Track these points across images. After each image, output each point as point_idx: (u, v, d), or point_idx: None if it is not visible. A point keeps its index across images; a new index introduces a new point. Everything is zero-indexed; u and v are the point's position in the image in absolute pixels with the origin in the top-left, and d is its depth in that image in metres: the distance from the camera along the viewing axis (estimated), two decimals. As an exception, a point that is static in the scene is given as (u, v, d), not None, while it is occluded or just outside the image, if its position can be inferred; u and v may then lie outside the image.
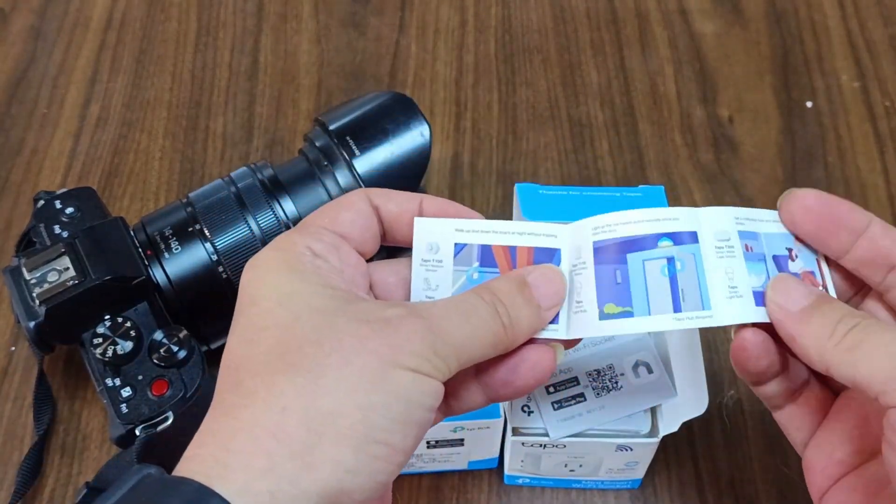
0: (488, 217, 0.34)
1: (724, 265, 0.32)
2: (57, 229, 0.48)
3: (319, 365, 0.28)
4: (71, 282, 0.44)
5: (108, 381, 0.45)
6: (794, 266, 0.33)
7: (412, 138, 0.49)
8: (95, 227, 0.47)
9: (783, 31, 0.67)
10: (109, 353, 0.45)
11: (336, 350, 0.28)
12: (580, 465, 0.45)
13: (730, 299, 0.32)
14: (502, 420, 0.42)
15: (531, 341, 0.33)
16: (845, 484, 0.34)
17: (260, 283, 0.30)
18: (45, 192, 0.51)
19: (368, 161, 0.48)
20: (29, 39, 0.67)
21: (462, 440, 0.44)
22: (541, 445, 0.42)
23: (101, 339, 0.45)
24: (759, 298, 0.32)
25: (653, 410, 0.43)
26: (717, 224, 0.32)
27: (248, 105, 0.63)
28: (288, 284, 0.30)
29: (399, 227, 0.35)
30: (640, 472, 0.46)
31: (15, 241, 0.50)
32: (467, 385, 0.33)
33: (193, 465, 0.27)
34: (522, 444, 0.42)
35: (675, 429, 0.41)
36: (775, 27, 0.67)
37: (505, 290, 0.32)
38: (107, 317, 0.46)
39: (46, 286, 0.44)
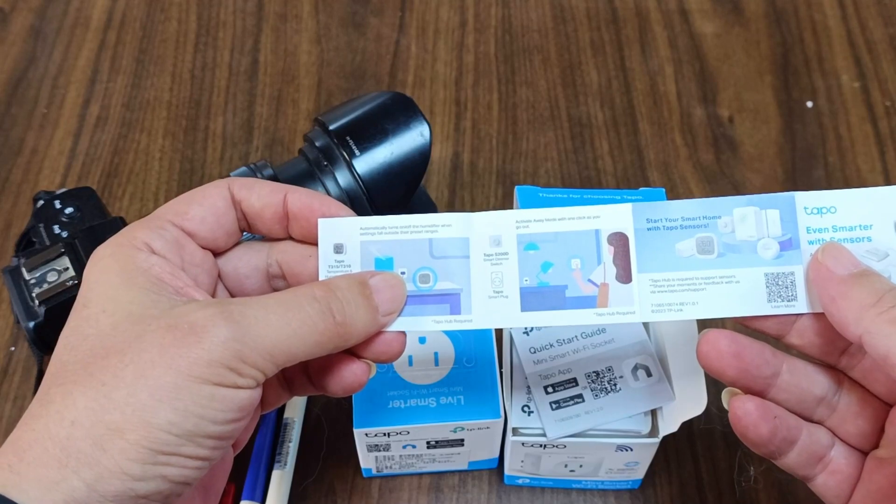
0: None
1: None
2: (56, 229, 0.48)
3: (115, 377, 0.28)
4: (70, 282, 0.44)
5: (108, 382, 0.45)
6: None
7: (412, 138, 0.49)
8: (95, 227, 0.47)
9: (783, 31, 0.67)
10: (109, 353, 0.45)
11: (134, 361, 0.28)
12: (580, 466, 0.45)
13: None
14: (502, 420, 0.42)
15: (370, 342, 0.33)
16: None
17: (94, 281, 0.31)
18: (44, 192, 0.51)
19: (368, 161, 0.48)
20: (29, 39, 0.67)
21: (462, 440, 0.44)
22: (541, 446, 0.42)
23: (100, 340, 0.45)
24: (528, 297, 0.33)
25: (653, 411, 0.43)
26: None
27: (248, 105, 0.63)
28: (116, 288, 0.30)
29: (262, 221, 0.35)
30: (640, 473, 0.46)
31: (14, 241, 0.50)
32: (298, 377, 0.34)
33: None
34: (522, 444, 0.42)
35: (674, 429, 0.41)
36: (775, 27, 0.67)
37: (344, 287, 0.32)
38: None
39: (46, 286, 0.45)
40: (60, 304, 0.44)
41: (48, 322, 0.45)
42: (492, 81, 0.64)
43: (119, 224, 0.48)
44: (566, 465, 0.45)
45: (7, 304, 0.54)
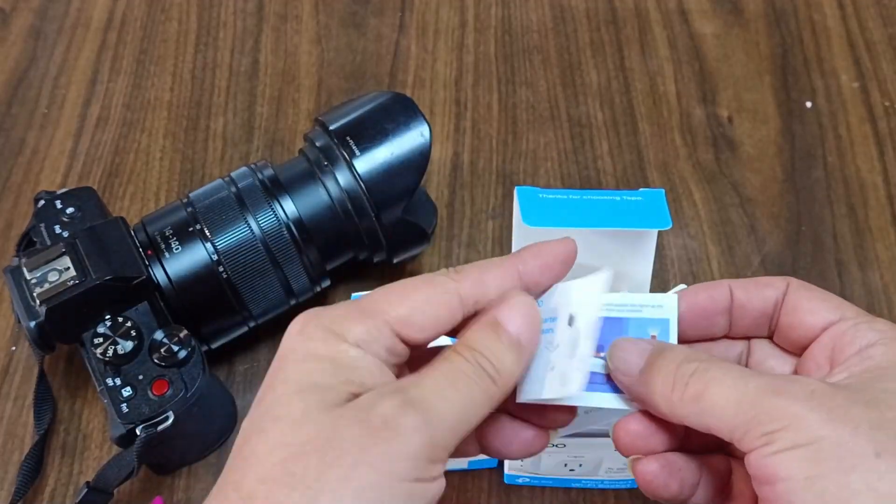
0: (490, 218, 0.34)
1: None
2: (57, 229, 0.48)
3: (319, 481, 0.27)
4: (71, 282, 0.44)
5: (109, 381, 0.45)
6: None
7: (412, 138, 0.49)
8: (96, 227, 0.47)
9: (783, 31, 0.67)
10: (110, 352, 0.45)
11: (337, 461, 0.27)
12: (580, 465, 0.45)
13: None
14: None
15: (538, 412, 0.32)
16: None
17: (295, 356, 0.30)
18: (45, 192, 0.51)
19: (368, 161, 0.48)
20: (29, 39, 0.67)
21: (462, 440, 0.44)
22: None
23: (101, 339, 0.45)
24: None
25: None
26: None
27: (248, 105, 0.63)
28: (316, 372, 0.29)
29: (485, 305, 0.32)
30: None
31: (15, 241, 0.50)
32: (466, 441, 0.32)
33: None
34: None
35: None
36: (775, 27, 0.67)
37: (481, 340, 0.30)
38: (107, 316, 0.46)
39: (47, 286, 0.45)
40: (61, 304, 0.44)
41: (49, 321, 0.45)
42: (492, 81, 0.64)
43: (120, 224, 0.48)
44: (566, 465, 0.45)
45: (8, 303, 0.54)
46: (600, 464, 0.44)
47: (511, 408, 0.33)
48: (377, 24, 0.67)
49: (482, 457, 0.47)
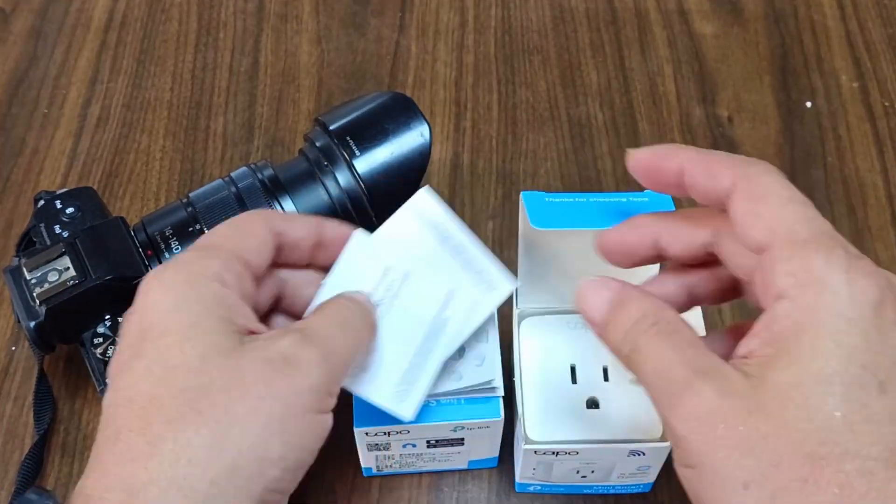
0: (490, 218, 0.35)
1: None
2: (57, 229, 0.48)
3: (228, 414, 0.28)
4: (71, 282, 0.44)
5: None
6: None
7: (412, 138, 0.49)
8: (96, 227, 0.47)
9: (782, 31, 0.67)
10: (110, 352, 0.45)
11: (243, 397, 0.29)
12: (592, 472, 0.45)
13: None
14: (502, 420, 0.43)
15: None
16: None
17: (164, 308, 0.31)
18: (45, 191, 0.51)
19: (368, 161, 0.48)
20: (30, 40, 0.67)
21: (462, 440, 0.44)
22: (553, 453, 0.42)
23: (101, 339, 0.45)
24: None
25: None
26: None
27: (248, 105, 0.63)
28: (193, 316, 0.30)
29: (297, 251, 0.36)
30: (651, 476, 0.46)
31: (15, 241, 0.50)
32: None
33: None
34: (535, 451, 0.42)
35: None
36: (774, 27, 0.67)
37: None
38: (107, 316, 0.46)
39: (47, 286, 0.45)
40: (61, 304, 0.44)
41: (49, 321, 0.45)
42: (492, 82, 0.64)
43: (120, 224, 0.48)
44: (578, 472, 0.45)
45: (8, 303, 0.54)
46: (612, 469, 0.44)
47: None
48: (377, 24, 0.67)
49: (482, 457, 0.47)
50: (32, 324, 0.45)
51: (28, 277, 0.45)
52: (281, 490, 0.29)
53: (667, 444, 0.42)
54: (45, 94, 0.64)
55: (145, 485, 0.27)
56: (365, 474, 0.48)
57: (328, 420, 0.31)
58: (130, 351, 0.31)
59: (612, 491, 0.47)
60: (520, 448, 0.43)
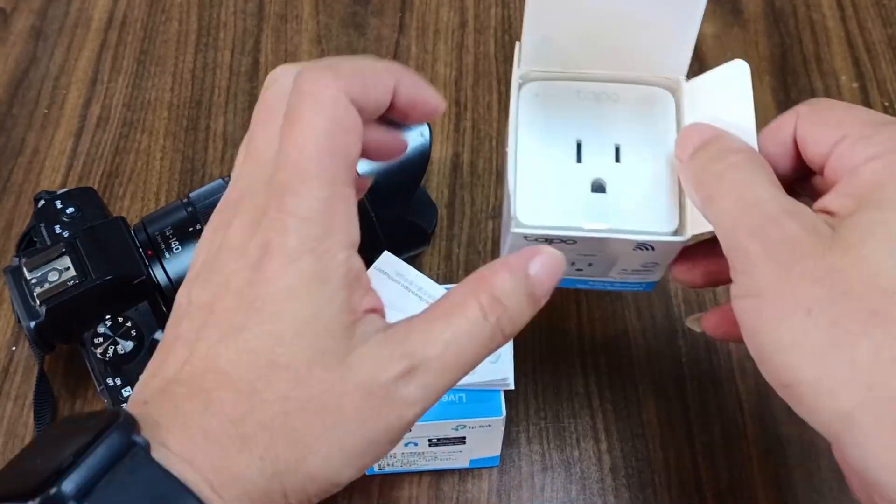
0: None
1: None
2: (57, 229, 0.48)
3: (317, 440, 0.27)
4: (72, 282, 0.45)
5: (109, 381, 0.45)
6: None
7: (412, 138, 0.49)
8: (96, 227, 0.47)
9: (782, 31, 0.67)
10: (110, 352, 0.45)
11: (335, 427, 0.27)
12: (589, 265, 0.38)
13: None
14: (504, 419, 0.43)
15: None
16: None
17: (282, 286, 0.27)
18: (45, 191, 0.51)
19: (368, 161, 0.48)
20: (30, 40, 0.67)
21: (464, 438, 0.44)
22: (546, 240, 0.35)
23: (101, 339, 0.45)
24: None
25: (681, 207, 0.35)
26: None
27: (248, 105, 0.63)
28: (313, 305, 0.27)
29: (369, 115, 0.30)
30: (656, 275, 0.39)
31: (15, 241, 0.50)
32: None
33: (187, 471, 0.26)
34: (525, 237, 0.35)
35: (708, 228, 0.33)
36: (774, 28, 0.67)
37: (511, 293, 0.29)
38: (107, 316, 0.46)
39: (47, 286, 0.45)
40: (61, 304, 0.44)
41: (49, 321, 0.45)
42: (492, 82, 0.64)
43: (120, 224, 0.48)
44: (573, 264, 0.38)
45: (8, 303, 0.54)
46: (613, 264, 0.38)
47: None
48: (377, 24, 0.67)
49: (482, 456, 0.47)
50: (32, 324, 0.45)
51: (28, 277, 0.45)
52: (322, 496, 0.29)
53: (681, 238, 0.35)
54: (46, 94, 0.64)
55: (233, 481, 0.26)
56: (367, 472, 0.48)
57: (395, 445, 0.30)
58: (229, 310, 0.27)
59: (609, 288, 0.42)
60: (507, 233, 0.36)
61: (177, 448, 0.26)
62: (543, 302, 0.30)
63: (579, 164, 0.36)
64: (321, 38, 0.67)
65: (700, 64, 0.65)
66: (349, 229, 0.28)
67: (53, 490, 0.23)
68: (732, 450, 0.49)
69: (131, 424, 0.25)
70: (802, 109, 0.33)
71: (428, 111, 0.31)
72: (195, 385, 0.27)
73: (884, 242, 0.27)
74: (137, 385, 0.30)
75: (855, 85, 0.64)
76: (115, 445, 0.25)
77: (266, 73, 0.65)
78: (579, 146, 0.36)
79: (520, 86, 0.37)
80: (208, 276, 0.29)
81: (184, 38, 0.67)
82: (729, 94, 0.34)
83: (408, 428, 0.29)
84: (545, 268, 0.29)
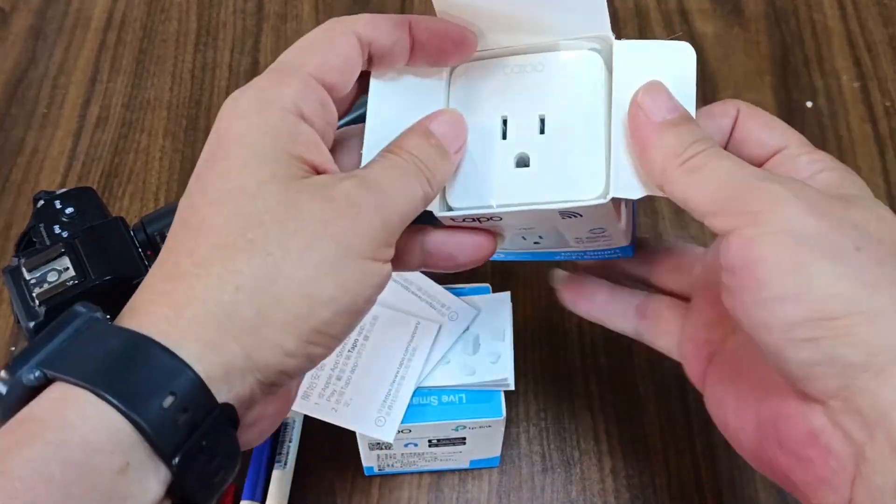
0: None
1: None
2: (57, 229, 0.48)
3: (281, 247, 0.28)
4: (71, 282, 0.44)
5: (109, 381, 0.45)
6: None
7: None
8: (95, 227, 0.47)
9: (783, 31, 0.67)
10: (109, 352, 0.44)
11: (299, 231, 0.28)
12: (540, 237, 0.38)
13: None
14: (503, 419, 0.42)
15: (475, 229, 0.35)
16: (717, 360, 0.36)
17: (232, 136, 0.30)
18: (44, 191, 0.51)
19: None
20: (29, 39, 0.67)
21: (464, 439, 0.44)
22: (474, 219, 0.35)
23: (101, 339, 0.45)
24: None
25: (607, 167, 0.34)
26: None
27: (248, 105, 0.63)
28: (259, 147, 0.29)
29: (390, 58, 0.34)
30: (617, 239, 0.38)
31: (15, 241, 0.50)
32: (410, 250, 0.34)
33: (145, 319, 0.28)
34: (452, 219, 0.35)
35: (638, 195, 0.33)
36: (775, 27, 0.67)
37: (412, 143, 0.32)
38: (107, 317, 0.45)
39: (46, 286, 0.44)
40: (60, 304, 0.44)
41: (48, 322, 0.44)
42: (492, 81, 0.64)
43: (119, 224, 0.48)
44: (524, 238, 0.38)
45: (7, 303, 0.54)
46: (562, 235, 0.38)
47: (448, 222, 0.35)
48: (377, 24, 0.67)
49: (482, 457, 0.47)
50: (32, 324, 0.45)
51: (27, 277, 0.45)
52: (331, 334, 0.29)
53: (602, 201, 0.33)
54: (45, 94, 0.64)
55: (190, 301, 0.27)
56: (366, 473, 0.48)
57: (385, 269, 0.30)
58: (194, 177, 0.30)
59: (586, 257, 0.41)
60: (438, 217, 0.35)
61: (141, 297, 0.29)
62: (455, 155, 0.33)
63: (504, 140, 0.35)
64: (321, 38, 0.67)
65: (700, 64, 0.65)
66: (300, 105, 0.31)
67: (189, 478, 0.26)
68: (732, 450, 0.49)
69: (94, 310, 0.28)
70: (743, 106, 0.36)
71: (456, 41, 0.34)
72: (162, 252, 0.30)
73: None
74: None
75: (856, 84, 0.64)
76: (64, 321, 0.28)
77: (266, 72, 0.65)
78: (505, 123, 0.35)
79: (449, 73, 0.36)
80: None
81: (183, 37, 0.67)
82: (671, 71, 0.34)
83: (375, 240, 0.29)
84: (444, 124, 0.33)
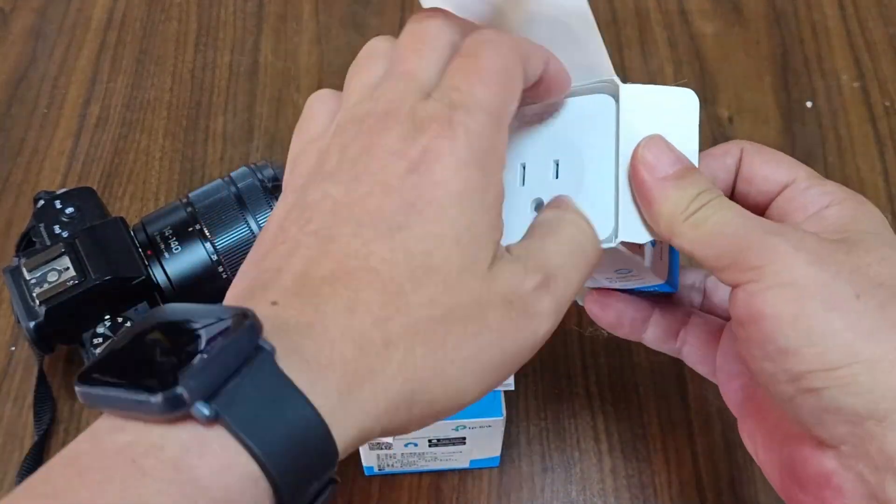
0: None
1: None
2: (57, 229, 0.48)
3: (456, 349, 0.27)
4: (71, 282, 0.44)
5: (109, 381, 0.45)
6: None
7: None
8: (95, 227, 0.47)
9: (783, 31, 0.67)
10: (110, 352, 0.44)
11: (475, 338, 0.27)
12: None
13: None
14: (503, 419, 0.43)
15: None
16: (749, 393, 0.37)
17: (450, 191, 0.27)
18: (45, 191, 0.51)
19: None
20: (29, 39, 0.67)
21: (464, 439, 0.44)
22: None
23: (101, 339, 0.45)
24: None
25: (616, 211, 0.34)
26: None
27: (248, 105, 0.63)
28: (473, 213, 0.27)
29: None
30: (649, 279, 0.39)
31: (15, 241, 0.50)
32: None
33: (319, 387, 0.24)
34: None
35: (644, 239, 0.34)
36: (775, 27, 0.67)
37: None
38: (107, 317, 0.46)
39: (46, 286, 0.45)
40: (61, 304, 0.44)
41: (48, 322, 0.45)
42: (492, 81, 0.64)
43: (119, 224, 0.48)
44: None
45: (7, 303, 0.54)
46: (592, 276, 0.38)
47: None
48: (377, 24, 0.67)
49: (482, 456, 0.47)
50: (32, 324, 0.45)
51: (28, 277, 0.45)
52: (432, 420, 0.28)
53: (609, 245, 0.34)
54: (45, 94, 0.64)
55: (362, 382, 0.25)
56: (367, 473, 0.48)
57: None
58: (385, 209, 0.27)
59: (634, 290, 0.41)
60: None
61: (310, 352, 0.25)
62: None
63: (523, 186, 0.36)
64: (321, 38, 0.67)
65: (700, 64, 0.65)
66: (503, 156, 0.29)
67: (179, 389, 0.22)
68: (732, 450, 0.49)
69: (258, 328, 0.24)
70: (746, 145, 0.36)
71: (564, 87, 0.34)
72: (340, 284, 0.26)
73: (892, 248, 0.31)
74: (245, 279, 0.29)
75: (856, 84, 0.64)
76: (243, 348, 0.23)
77: (266, 72, 0.65)
78: (523, 168, 0.36)
79: None
80: (354, 175, 0.28)
81: (183, 37, 0.67)
82: (674, 118, 0.34)
83: (540, 344, 0.29)
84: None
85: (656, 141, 0.33)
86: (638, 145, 0.33)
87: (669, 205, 0.32)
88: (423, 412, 0.27)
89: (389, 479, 0.48)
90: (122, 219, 0.49)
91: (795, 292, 0.29)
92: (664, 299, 0.41)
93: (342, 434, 0.24)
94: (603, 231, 0.33)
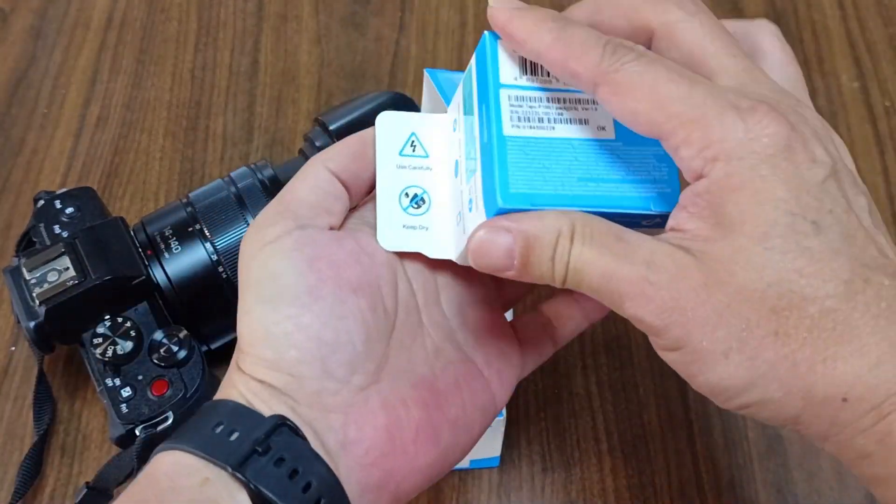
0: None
1: None
2: (57, 229, 0.48)
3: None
4: (71, 282, 0.44)
5: (108, 381, 0.45)
6: None
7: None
8: (95, 227, 0.47)
9: (783, 31, 0.67)
10: (109, 353, 0.45)
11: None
12: None
13: None
14: (503, 419, 0.42)
15: None
16: None
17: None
18: (45, 192, 0.51)
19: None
20: (29, 39, 0.67)
21: (462, 440, 0.44)
22: None
23: (101, 339, 0.45)
24: None
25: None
26: None
27: (248, 105, 0.63)
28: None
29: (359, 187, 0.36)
30: None
31: (15, 241, 0.50)
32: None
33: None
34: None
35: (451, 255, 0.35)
36: (775, 27, 0.67)
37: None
38: (107, 317, 0.46)
39: (46, 286, 0.45)
40: (61, 304, 0.44)
41: (48, 322, 0.45)
42: (492, 81, 0.64)
43: (119, 224, 0.48)
44: None
45: (7, 304, 0.54)
46: None
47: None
48: (377, 24, 0.67)
49: (482, 456, 0.47)
50: (32, 324, 0.45)
51: (28, 278, 0.45)
52: None
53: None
54: (45, 94, 0.64)
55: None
56: (365, 475, 0.48)
57: None
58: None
59: None
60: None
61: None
62: None
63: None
64: (321, 38, 0.67)
65: (700, 64, 0.65)
66: None
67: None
68: (732, 450, 0.49)
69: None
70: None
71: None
72: None
73: (751, 271, 0.27)
74: None
75: (856, 84, 0.64)
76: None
77: (266, 72, 0.65)
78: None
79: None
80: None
81: (183, 37, 0.67)
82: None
83: None
84: None
85: (479, 251, 0.32)
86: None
87: (545, 279, 0.31)
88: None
89: (389, 479, 0.48)
90: (122, 219, 0.49)
91: (680, 356, 0.29)
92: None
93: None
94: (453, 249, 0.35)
